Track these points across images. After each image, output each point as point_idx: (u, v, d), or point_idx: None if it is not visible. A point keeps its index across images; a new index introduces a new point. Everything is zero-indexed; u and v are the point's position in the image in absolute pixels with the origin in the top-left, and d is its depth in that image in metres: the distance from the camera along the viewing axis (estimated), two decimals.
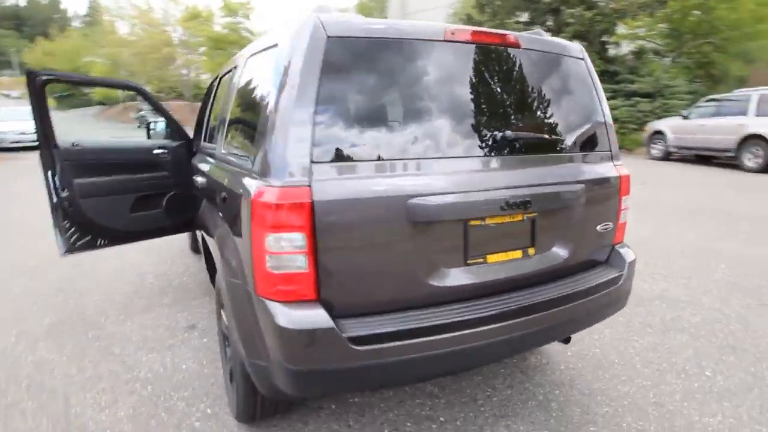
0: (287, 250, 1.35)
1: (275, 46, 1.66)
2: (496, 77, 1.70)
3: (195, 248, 4.29)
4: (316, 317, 1.37)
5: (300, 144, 1.37)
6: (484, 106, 1.66)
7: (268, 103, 1.52)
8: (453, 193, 1.53)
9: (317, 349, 1.37)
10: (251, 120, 1.75)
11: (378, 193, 1.43)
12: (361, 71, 1.48)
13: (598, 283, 1.83)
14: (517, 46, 1.74)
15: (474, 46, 1.65)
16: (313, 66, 1.39)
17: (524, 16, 16.93)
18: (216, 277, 2.16)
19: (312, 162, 1.38)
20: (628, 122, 13.42)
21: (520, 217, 1.67)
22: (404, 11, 30.14)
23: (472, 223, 1.58)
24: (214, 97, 2.98)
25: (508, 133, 1.68)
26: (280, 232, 1.35)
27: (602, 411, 2.11)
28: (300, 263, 1.36)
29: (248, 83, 1.95)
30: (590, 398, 2.20)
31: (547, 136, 1.81)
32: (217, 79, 2.99)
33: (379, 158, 1.46)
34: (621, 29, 15.71)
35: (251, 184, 1.49)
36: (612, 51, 16.26)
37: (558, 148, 1.85)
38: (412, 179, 1.48)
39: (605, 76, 14.08)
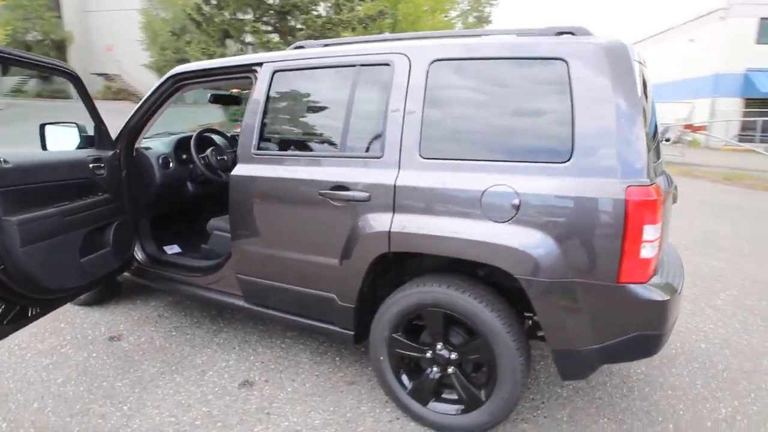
0: (652, 238, 1.61)
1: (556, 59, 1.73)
2: None
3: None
4: (664, 290, 1.69)
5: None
6: None
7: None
8: None
9: (673, 311, 1.71)
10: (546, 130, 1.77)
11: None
12: None
13: None
14: None
15: None
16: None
17: (250, 14, 17.07)
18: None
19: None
20: None
21: None
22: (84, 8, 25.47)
23: None
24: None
25: None
26: (654, 223, 1.60)
27: None
28: (653, 249, 1.64)
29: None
30: None
31: None
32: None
33: None
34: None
35: (610, 187, 1.60)
36: None
37: None
38: None
39: None
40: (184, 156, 3.08)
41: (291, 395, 2.25)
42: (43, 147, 2.39)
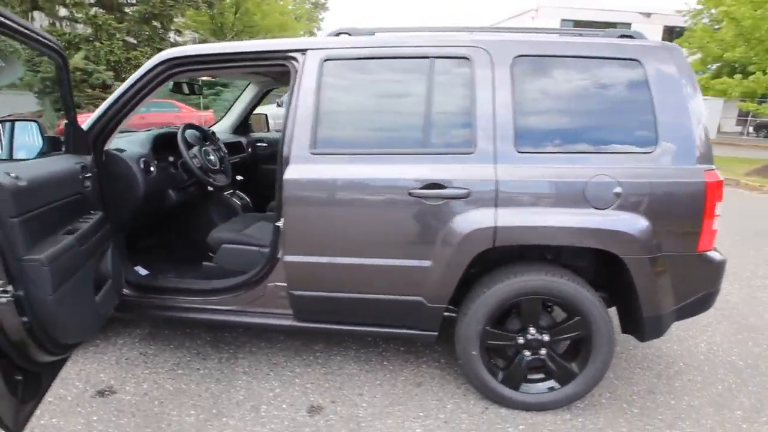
0: (718, 213, 1.94)
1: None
2: None
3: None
4: (720, 254, 2.00)
5: None
6: None
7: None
8: None
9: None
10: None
11: None
12: None
13: None
14: None
15: None
16: None
17: None
18: None
19: None
20: None
21: None
22: None
23: None
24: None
25: None
26: (721, 200, 1.92)
27: None
28: (717, 222, 1.94)
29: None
30: None
31: None
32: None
33: None
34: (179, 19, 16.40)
35: (692, 171, 1.85)
36: (175, 38, 16.57)
37: None
38: None
39: None
40: (170, 158, 2.53)
41: (371, 411, 2.11)
42: (9, 155, 1.74)
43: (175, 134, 2.57)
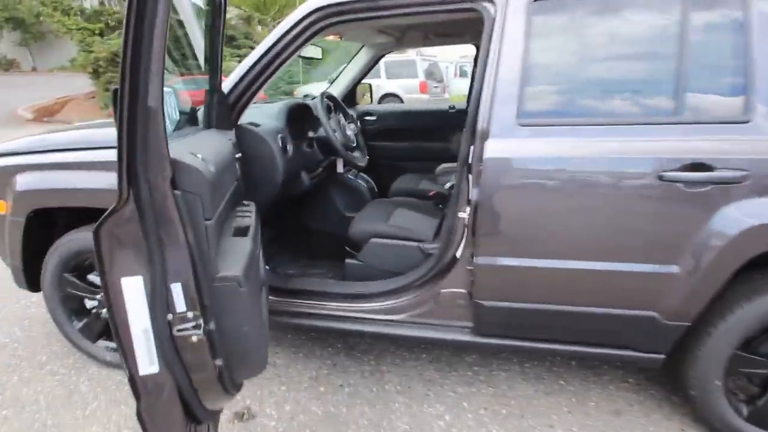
0: None
1: None
2: None
3: None
4: None
5: None
6: None
7: None
8: None
9: None
10: None
11: None
12: None
13: None
14: None
15: None
16: None
17: None
18: None
19: None
20: None
21: None
22: None
23: None
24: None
25: None
26: None
27: None
28: None
29: None
30: None
31: None
32: None
33: None
34: None
35: None
36: None
37: None
38: None
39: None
40: (310, 133, 2.12)
41: None
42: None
43: (304, 106, 2.15)
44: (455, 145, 3.13)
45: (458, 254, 1.70)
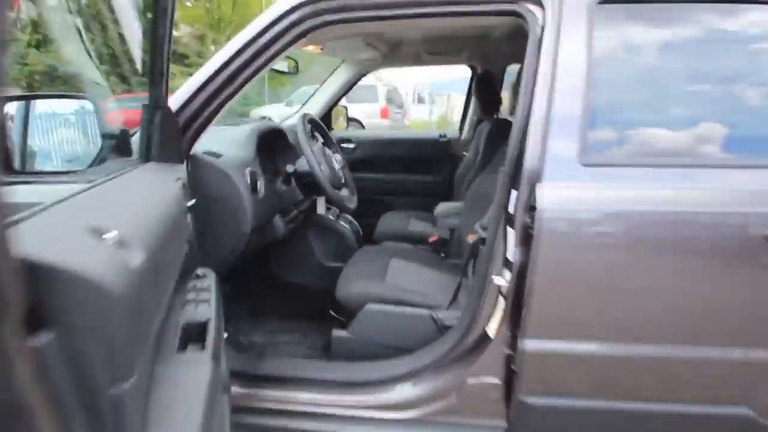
0: None
1: None
2: None
3: None
4: None
5: None
6: None
7: None
8: None
9: None
10: None
11: None
12: None
13: None
14: None
15: None
16: None
17: None
18: None
19: None
20: None
21: None
22: None
23: None
24: None
25: None
26: None
27: None
28: None
29: None
30: None
31: None
32: None
33: None
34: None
35: None
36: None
37: None
38: None
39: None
40: (288, 168, 1.64)
41: None
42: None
43: (278, 131, 1.69)
44: (448, 179, 2.78)
45: (490, 331, 1.28)
